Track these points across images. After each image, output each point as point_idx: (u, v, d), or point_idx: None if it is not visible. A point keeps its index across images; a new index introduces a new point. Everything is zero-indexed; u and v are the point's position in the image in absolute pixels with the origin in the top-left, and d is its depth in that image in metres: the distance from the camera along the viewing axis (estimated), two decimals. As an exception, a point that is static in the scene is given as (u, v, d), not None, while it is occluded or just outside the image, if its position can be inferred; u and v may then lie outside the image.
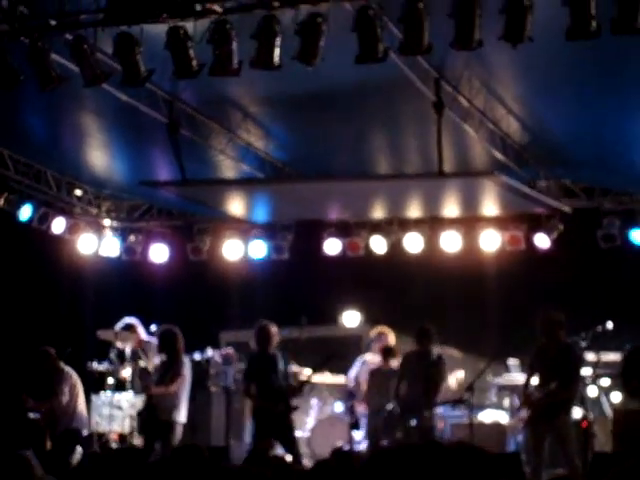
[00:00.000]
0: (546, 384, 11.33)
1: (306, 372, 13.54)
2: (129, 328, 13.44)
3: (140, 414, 12.15)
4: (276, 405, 11.75)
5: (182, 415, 11.95)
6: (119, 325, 13.49)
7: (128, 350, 13.14)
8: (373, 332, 13.29)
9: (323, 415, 13.66)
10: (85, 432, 12.17)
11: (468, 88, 10.52)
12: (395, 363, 12.76)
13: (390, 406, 12.35)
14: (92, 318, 14.69)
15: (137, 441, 12.75)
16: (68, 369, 12.23)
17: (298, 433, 13.38)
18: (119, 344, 13.17)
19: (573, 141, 11.64)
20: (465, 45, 8.11)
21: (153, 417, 11.90)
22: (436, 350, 12.38)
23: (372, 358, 13.35)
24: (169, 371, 12.07)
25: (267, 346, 12.04)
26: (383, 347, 12.90)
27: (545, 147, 11.83)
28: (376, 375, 12.85)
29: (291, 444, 11.67)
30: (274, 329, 12.12)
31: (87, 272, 15.21)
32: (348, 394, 13.17)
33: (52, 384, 12.04)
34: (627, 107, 10.44)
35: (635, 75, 9.62)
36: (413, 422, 11.97)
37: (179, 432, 11.88)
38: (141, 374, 13.17)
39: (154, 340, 13.72)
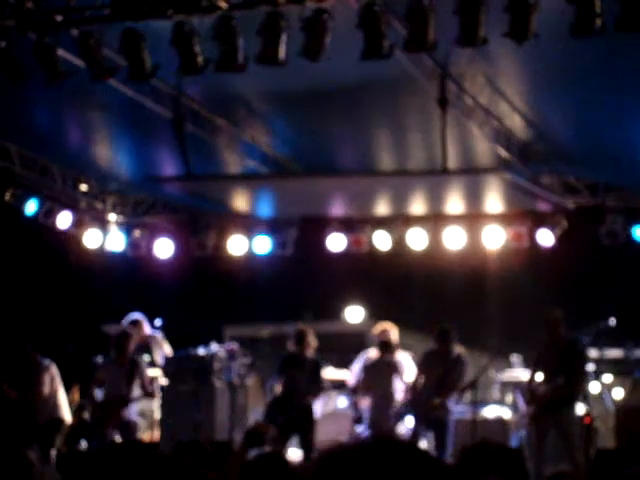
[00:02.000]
0: (551, 380, 11.38)
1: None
2: (135, 323, 13.55)
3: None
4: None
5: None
6: (126, 320, 13.59)
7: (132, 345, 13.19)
8: (376, 328, 13.32)
9: (327, 410, 13.68)
10: (67, 422, 12.26)
11: (472, 85, 10.55)
12: (392, 357, 12.80)
13: (402, 402, 12.45)
14: (97, 313, 14.75)
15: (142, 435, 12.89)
16: (47, 361, 12.27)
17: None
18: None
19: (577, 138, 11.66)
20: (470, 42, 8.14)
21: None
22: (456, 350, 12.40)
23: (375, 353, 13.38)
24: (131, 372, 12.26)
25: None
26: (380, 341, 12.93)
27: (549, 144, 11.86)
28: (371, 368, 12.90)
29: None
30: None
31: (92, 267, 15.24)
32: (351, 389, 13.20)
33: (32, 376, 12.10)
34: (632, 104, 10.46)
35: (638, 72, 9.64)
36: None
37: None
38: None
39: (158, 335, 13.80)
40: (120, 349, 12.42)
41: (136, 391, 12.30)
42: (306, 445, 12.15)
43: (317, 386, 12.43)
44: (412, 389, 12.39)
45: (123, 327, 13.14)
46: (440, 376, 12.12)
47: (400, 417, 12.38)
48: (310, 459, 11.66)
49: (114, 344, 12.50)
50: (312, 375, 12.40)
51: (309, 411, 12.32)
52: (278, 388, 12.47)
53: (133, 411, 12.36)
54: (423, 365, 12.45)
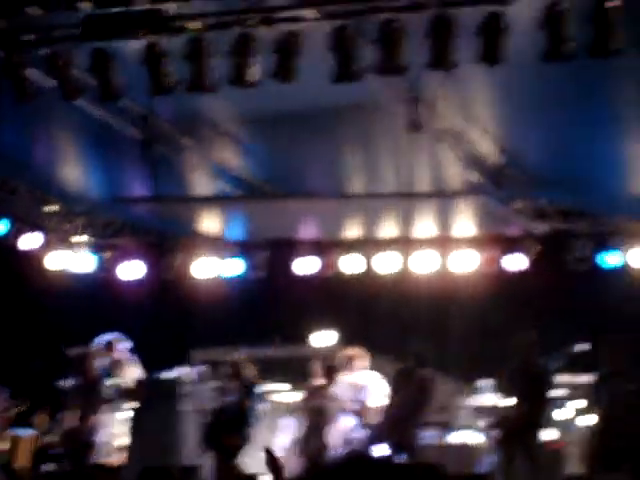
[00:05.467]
0: (518, 405, 11.39)
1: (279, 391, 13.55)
2: (108, 345, 13.35)
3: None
4: None
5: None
6: (98, 341, 13.38)
7: (102, 367, 13.03)
8: (345, 353, 13.25)
9: (296, 435, 13.60)
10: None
11: (444, 108, 10.54)
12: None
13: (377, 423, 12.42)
14: (64, 335, 14.59)
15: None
16: None
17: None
18: (95, 361, 13.05)
19: (548, 163, 11.68)
20: (441, 66, 8.16)
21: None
22: (423, 372, 12.35)
23: (346, 378, 13.31)
24: (93, 394, 12.14)
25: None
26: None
27: (520, 169, 11.87)
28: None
29: None
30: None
31: (59, 288, 15.12)
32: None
33: None
34: (602, 130, 10.49)
35: (610, 98, 9.68)
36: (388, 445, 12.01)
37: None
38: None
39: (131, 357, 13.63)
40: (81, 371, 12.31)
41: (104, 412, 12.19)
42: None
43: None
44: (385, 412, 12.34)
45: (83, 349, 12.94)
46: (409, 399, 12.09)
47: (373, 441, 12.33)
48: None
49: (75, 367, 12.39)
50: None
51: None
52: None
53: (100, 433, 12.19)
54: (393, 388, 12.42)
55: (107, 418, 12.25)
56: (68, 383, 13.23)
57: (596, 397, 11.12)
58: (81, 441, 12.07)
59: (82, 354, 12.56)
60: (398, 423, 12.06)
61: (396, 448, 12.02)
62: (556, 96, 9.73)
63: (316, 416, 12.41)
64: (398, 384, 12.33)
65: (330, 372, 12.59)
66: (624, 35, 7.66)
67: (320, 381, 12.60)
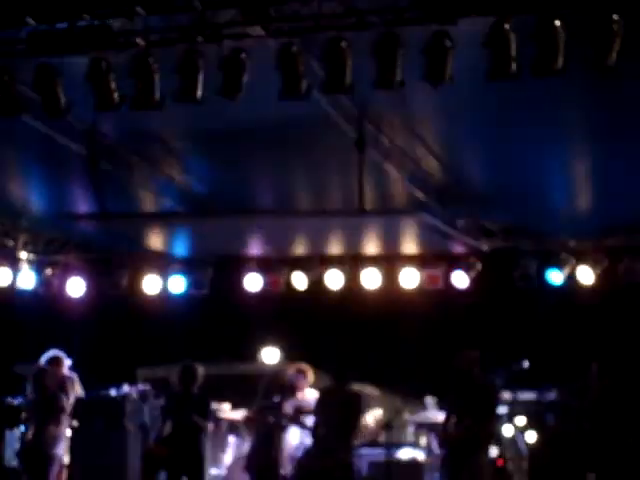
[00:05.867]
0: (462, 421, 11.41)
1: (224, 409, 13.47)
2: (54, 361, 13.17)
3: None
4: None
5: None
6: (44, 358, 13.23)
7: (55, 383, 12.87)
8: (291, 370, 13.22)
9: (240, 452, 13.55)
10: None
11: (390, 127, 10.59)
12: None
13: (308, 443, 12.32)
14: (7, 353, 14.45)
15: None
16: None
17: (215, 471, 13.31)
18: (51, 377, 12.87)
19: (492, 182, 11.77)
20: (387, 85, 8.19)
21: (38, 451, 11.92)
22: (352, 387, 12.31)
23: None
24: (51, 407, 12.01)
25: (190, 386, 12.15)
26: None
27: (464, 187, 11.95)
28: None
29: None
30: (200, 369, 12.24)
31: (2, 305, 14.95)
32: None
33: None
34: (545, 149, 10.59)
35: (555, 117, 9.78)
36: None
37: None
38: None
39: (74, 375, 13.50)
40: (38, 387, 12.17)
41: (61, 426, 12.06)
42: None
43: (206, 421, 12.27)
44: (314, 434, 12.23)
45: (38, 365, 12.80)
46: (340, 419, 12.00)
47: (308, 463, 12.22)
48: None
49: (32, 383, 12.26)
50: (201, 411, 12.24)
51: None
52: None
53: (59, 446, 12.05)
54: (319, 405, 12.30)
55: (64, 432, 12.12)
56: (22, 399, 13.08)
57: (561, 414, 11.18)
58: (42, 454, 11.91)
59: (39, 370, 12.41)
60: (329, 442, 11.97)
61: (334, 467, 11.92)
62: (501, 115, 9.81)
63: (267, 433, 12.35)
64: (323, 403, 12.24)
65: (284, 389, 12.53)
66: (568, 54, 7.74)
67: (273, 398, 12.54)
